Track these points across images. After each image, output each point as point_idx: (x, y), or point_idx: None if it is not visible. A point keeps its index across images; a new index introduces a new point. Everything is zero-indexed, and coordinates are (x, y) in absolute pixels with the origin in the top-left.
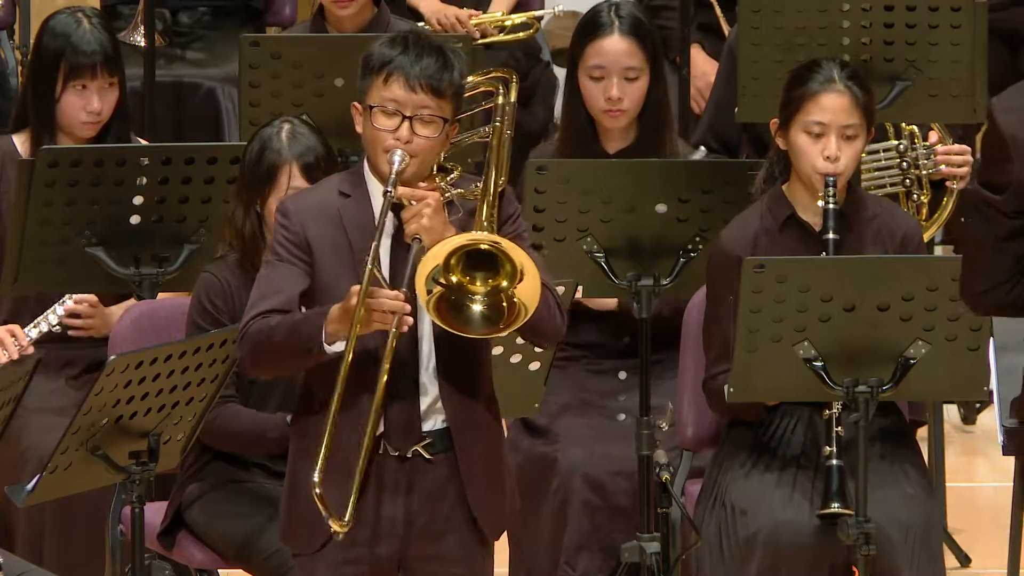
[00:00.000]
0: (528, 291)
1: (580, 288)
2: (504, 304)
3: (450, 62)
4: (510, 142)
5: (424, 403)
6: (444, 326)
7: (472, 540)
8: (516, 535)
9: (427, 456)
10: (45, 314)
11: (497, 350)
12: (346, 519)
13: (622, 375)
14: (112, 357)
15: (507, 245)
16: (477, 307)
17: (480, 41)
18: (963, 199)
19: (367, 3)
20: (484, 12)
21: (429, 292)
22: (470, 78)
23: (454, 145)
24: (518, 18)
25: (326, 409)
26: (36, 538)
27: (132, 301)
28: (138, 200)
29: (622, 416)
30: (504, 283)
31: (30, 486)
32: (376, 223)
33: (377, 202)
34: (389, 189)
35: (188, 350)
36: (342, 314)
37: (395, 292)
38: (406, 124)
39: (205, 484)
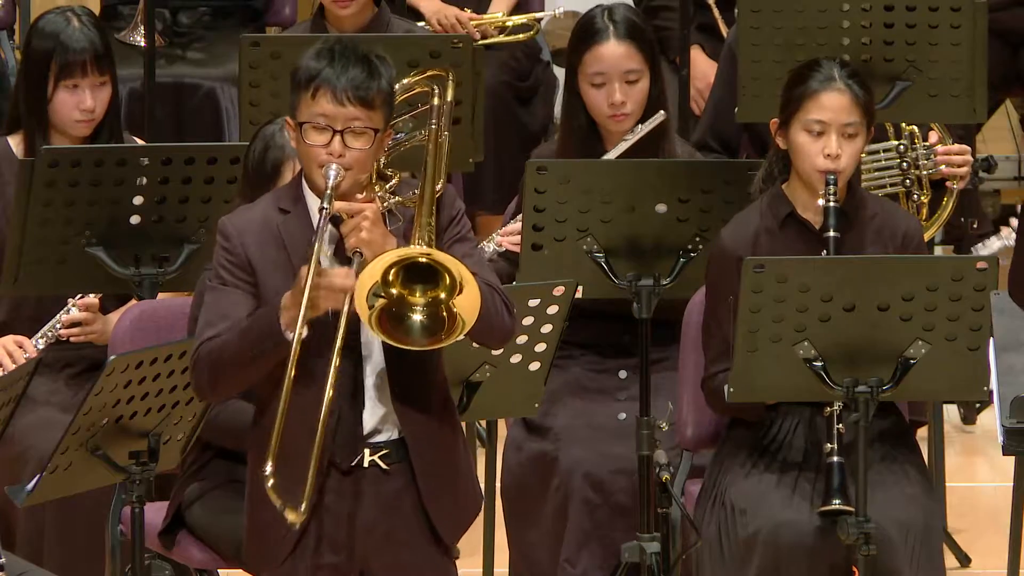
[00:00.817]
0: (467, 303)
1: (580, 288)
2: (444, 315)
3: (376, 70)
4: (447, 144)
5: (374, 413)
6: (386, 339)
7: (432, 548)
8: (516, 534)
9: (384, 467)
10: (51, 323)
11: (496, 350)
12: (302, 508)
13: (622, 374)
14: (112, 357)
15: (442, 257)
16: (417, 317)
17: (480, 42)
18: (963, 199)
19: (368, 3)
20: (484, 13)
21: (371, 307)
22: (405, 80)
23: (392, 151)
24: (518, 19)
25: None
26: (36, 538)
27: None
28: (138, 200)
29: (622, 415)
30: (443, 295)
31: (30, 486)
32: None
33: (316, 216)
34: (325, 206)
35: (188, 350)
36: (293, 299)
37: (345, 269)
38: (337, 138)
39: (205, 483)
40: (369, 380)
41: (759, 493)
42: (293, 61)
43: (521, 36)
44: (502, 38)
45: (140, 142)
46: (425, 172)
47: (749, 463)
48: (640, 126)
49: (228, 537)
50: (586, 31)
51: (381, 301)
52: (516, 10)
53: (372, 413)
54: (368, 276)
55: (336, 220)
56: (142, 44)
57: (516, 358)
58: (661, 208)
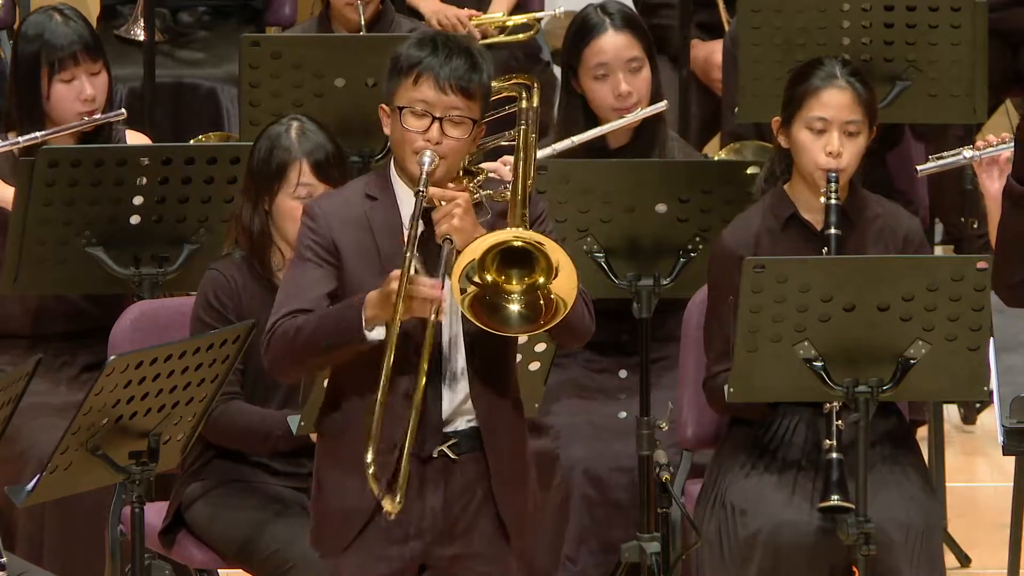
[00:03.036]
0: (565, 286)
1: None
2: (541, 302)
3: (479, 63)
4: (535, 145)
5: (450, 404)
6: (481, 325)
7: (497, 540)
8: None
9: (453, 456)
10: None
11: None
12: (397, 499)
13: (622, 373)
14: (112, 357)
15: (545, 241)
16: (514, 307)
17: (481, 42)
18: (963, 199)
19: (376, 3)
20: (484, 13)
21: (463, 291)
22: (492, 84)
23: (480, 149)
24: (518, 19)
25: (352, 410)
26: (36, 538)
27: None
28: (138, 200)
29: (622, 413)
30: (541, 279)
31: (30, 486)
32: (406, 225)
33: (404, 204)
34: (421, 189)
35: (188, 350)
36: (381, 299)
37: (433, 280)
38: (436, 125)
39: (206, 483)
40: (447, 371)
41: (759, 493)
42: (293, 61)
43: (521, 36)
44: (502, 38)
45: (146, 140)
46: (517, 167)
47: (749, 463)
48: (640, 109)
49: (228, 537)
50: (582, 27)
51: (473, 289)
52: (516, 10)
53: (449, 403)
54: (468, 254)
55: (426, 210)
56: (142, 38)
57: (516, 358)
58: (661, 208)
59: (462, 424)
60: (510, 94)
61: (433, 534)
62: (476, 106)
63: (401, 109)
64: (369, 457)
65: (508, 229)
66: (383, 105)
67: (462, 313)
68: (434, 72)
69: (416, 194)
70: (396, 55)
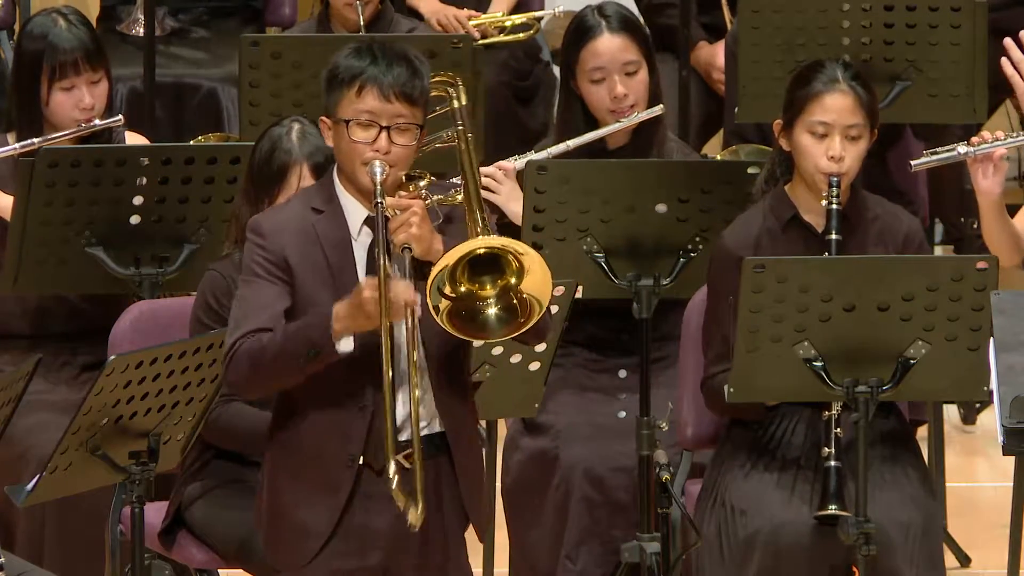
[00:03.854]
0: (537, 284)
1: (580, 288)
2: (516, 302)
3: (418, 69)
4: (475, 143)
5: (404, 412)
6: (462, 336)
7: (460, 542)
8: (517, 531)
9: (407, 465)
10: None
11: (497, 350)
12: (419, 511)
13: (622, 373)
14: (112, 357)
15: (511, 244)
16: (492, 311)
17: (480, 42)
18: (964, 199)
19: (375, 3)
20: (484, 12)
21: (436, 307)
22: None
23: (420, 152)
24: (518, 19)
25: (306, 421)
26: (36, 538)
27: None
28: (138, 200)
29: (622, 413)
30: (512, 280)
31: (30, 486)
32: (354, 236)
33: (351, 215)
34: (380, 200)
35: (188, 350)
36: (350, 309)
37: (406, 282)
38: (384, 135)
39: (206, 483)
40: (399, 381)
41: (759, 493)
42: (293, 61)
43: (521, 36)
44: (502, 38)
45: (145, 140)
46: (464, 170)
47: (749, 463)
48: (636, 111)
49: (228, 537)
50: (579, 29)
51: (447, 303)
52: (516, 10)
53: (401, 414)
54: (441, 262)
55: (373, 220)
56: (141, 34)
57: (516, 358)
58: (661, 208)
59: (409, 433)
60: (438, 94)
61: (395, 543)
62: (420, 112)
63: (347, 122)
64: (392, 470)
65: (474, 239)
66: (323, 118)
67: (423, 322)
68: (377, 82)
69: (375, 205)
70: (334, 67)
